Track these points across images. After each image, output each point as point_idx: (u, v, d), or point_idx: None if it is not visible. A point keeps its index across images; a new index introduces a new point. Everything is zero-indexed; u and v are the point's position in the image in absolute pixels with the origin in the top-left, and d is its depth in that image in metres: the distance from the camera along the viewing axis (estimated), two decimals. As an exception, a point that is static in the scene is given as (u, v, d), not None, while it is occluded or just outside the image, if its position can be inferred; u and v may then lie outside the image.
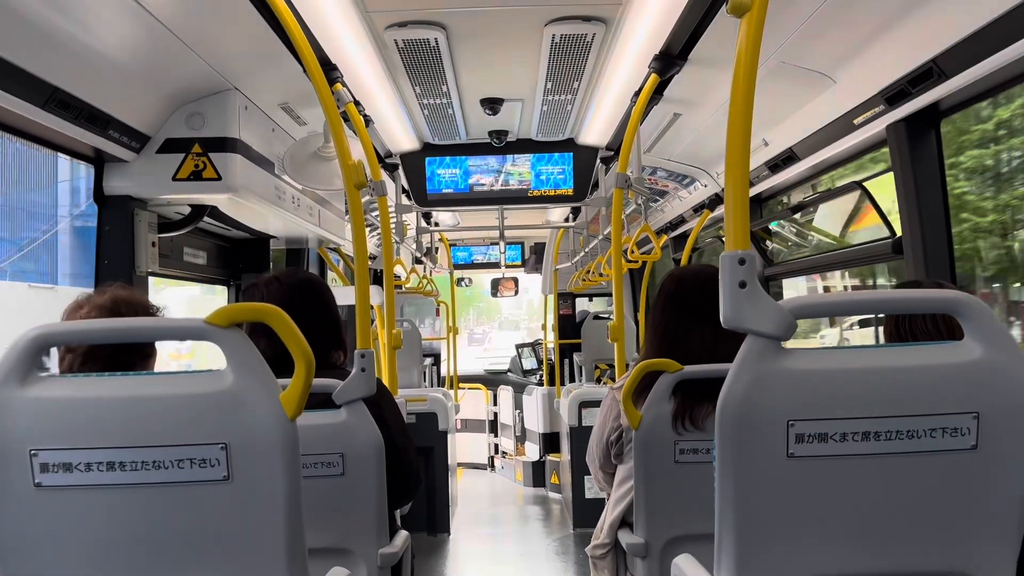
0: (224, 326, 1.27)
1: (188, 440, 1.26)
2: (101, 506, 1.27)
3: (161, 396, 1.28)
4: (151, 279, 3.16)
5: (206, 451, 1.26)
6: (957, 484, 1.29)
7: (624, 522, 2.33)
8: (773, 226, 4.69)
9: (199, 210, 3.27)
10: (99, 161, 2.88)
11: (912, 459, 1.28)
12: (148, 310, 1.99)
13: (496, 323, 34.91)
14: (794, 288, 6.08)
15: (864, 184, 3.19)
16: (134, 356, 1.91)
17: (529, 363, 9.56)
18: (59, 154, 2.74)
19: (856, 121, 2.88)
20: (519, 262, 9.49)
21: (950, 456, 1.28)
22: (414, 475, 2.32)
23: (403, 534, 2.27)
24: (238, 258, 4.30)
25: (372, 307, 3.32)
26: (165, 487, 1.27)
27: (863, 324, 8.53)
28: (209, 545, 1.29)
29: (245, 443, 1.27)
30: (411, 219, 5.58)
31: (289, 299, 2.25)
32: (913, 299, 1.50)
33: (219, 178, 2.90)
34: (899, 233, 2.90)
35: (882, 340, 2.16)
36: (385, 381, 2.52)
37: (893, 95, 2.59)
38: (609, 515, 2.37)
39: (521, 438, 8.49)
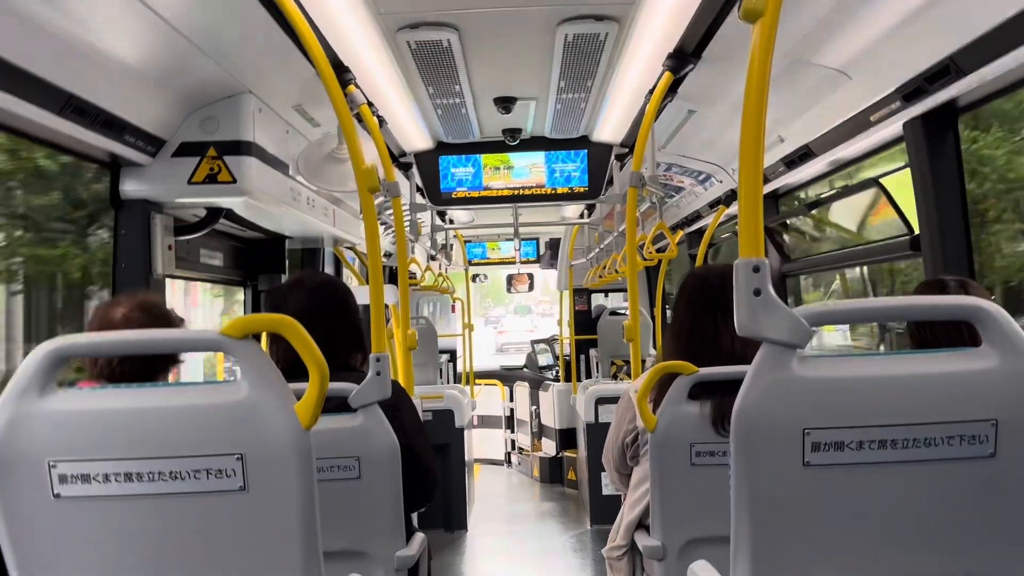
0: (239, 337, 1.28)
1: (205, 451, 1.27)
2: (119, 516, 1.29)
3: (178, 407, 1.29)
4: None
5: (222, 462, 1.27)
6: (975, 492, 1.28)
7: (641, 524, 2.32)
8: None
9: (215, 212, 3.28)
10: (115, 165, 2.90)
11: (930, 467, 1.27)
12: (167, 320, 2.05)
13: (511, 307, 35.33)
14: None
15: (881, 181, 3.17)
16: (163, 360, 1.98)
17: (545, 359, 9.55)
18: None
19: (873, 118, 2.85)
20: (534, 258, 9.49)
21: (968, 464, 1.27)
22: (431, 479, 2.33)
23: (420, 536, 2.27)
24: (254, 259, 4.32)
25: (387, 306, 3.33)
26: (182, 497, 1.28)
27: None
28: (225, 555, 1.30)
29: (261, 453, 1.28)
30: (425, 217, 5.59)
31: (310, 303, 2.28)
32: (931, 307, 1.48)
33: (234, 181, 2.91)
34: (917, 230, 2.87)
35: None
36: (401, 382, 2.53)
37: (910, 92, 2.56)
38: (626, 517, 2.36)
39: (538, 434, 8.50)
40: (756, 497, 1.28)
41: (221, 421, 1.28)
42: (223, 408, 1.28)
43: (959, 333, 1.94)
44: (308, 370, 1.31)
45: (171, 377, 2.13)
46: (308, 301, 2.29)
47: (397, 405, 2.17)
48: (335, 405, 1.95)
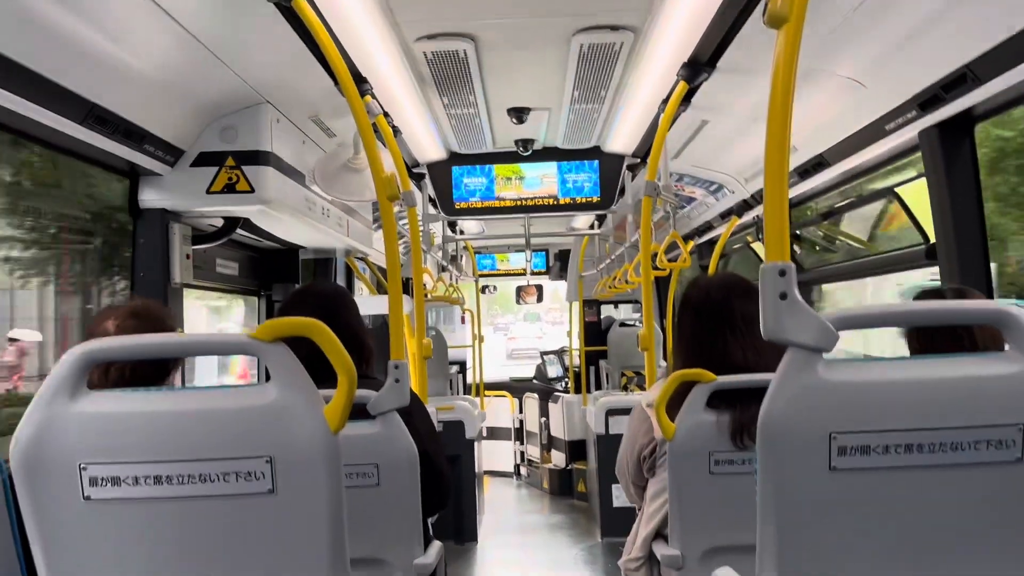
0: (268, 340, 1.29)
1: (234, 453, 1.28)
2: (149, 519, 1.29)
3: (207, 410, 1.30)
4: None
5: (252, 464, 1.28)
6: (1002, 496, 1.28)
7: (658, 534, 2.31)
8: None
9: (232, 222, 3.30)
10: (134, 175, 2.93)
11: (956, 472, 1.26)
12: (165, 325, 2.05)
13: (521, 314, 35.44)
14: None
15: (896, 190, 3.17)
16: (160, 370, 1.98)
17: (554, 370, 9.53)
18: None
19: (888, 127, 2.85)
20: (543, 269, 9.50)
21: (994, 468, 1.26)
22: (446, 483, 2.33)
23: (437, 544, 2.27)
24: (269, 269, 4.34)
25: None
26: (212, 500, 1.29)
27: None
28: (255, 556, 1.31)
29: (290, 456, 1.28)
30: (436, 228, 5.61)
31: (316, 312, 2.28)
32: (956, 311, 1.48)
33: (252, 190, 2.94)
34: (933, 239, 2.86)
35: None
36: (415, 390, 2.54)
37: (926, 101, 2.57)
38: (643, 530, 2.35)
39: (547, 446, 8.47)
40: (782, 502, 1.27)
41: (250, 424, 1.29)
42: (252, 411, 1.29)
43: (959, 343, 1.92)
44: (336, 374, 1.32)
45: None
46: (313, 310, 2.30)
47: (409, 411, 2.17)
48: (352, 413, 1.95)
